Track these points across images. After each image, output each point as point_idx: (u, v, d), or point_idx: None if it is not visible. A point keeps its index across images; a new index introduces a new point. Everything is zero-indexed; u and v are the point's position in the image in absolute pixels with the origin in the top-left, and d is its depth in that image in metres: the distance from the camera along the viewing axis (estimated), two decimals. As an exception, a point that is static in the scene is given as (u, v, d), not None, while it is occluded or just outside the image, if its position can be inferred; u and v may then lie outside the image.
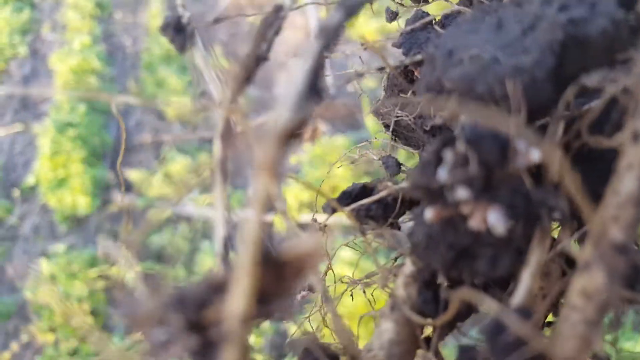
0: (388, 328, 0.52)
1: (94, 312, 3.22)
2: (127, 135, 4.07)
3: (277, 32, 0.53)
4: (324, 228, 0.63)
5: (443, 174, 0.42)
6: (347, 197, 0.63)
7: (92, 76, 4.61)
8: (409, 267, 0.53)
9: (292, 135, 0.34)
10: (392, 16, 0.74)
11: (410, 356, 0.52)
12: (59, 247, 3.53)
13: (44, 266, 3.41)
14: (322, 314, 0.57)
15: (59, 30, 5.41)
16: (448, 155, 0.42)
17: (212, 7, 5.53)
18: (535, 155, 0.41)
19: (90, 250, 3.50)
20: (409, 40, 0.70)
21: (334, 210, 0.63)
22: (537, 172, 0.43)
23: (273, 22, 0.54)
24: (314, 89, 0.37)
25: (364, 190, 0.62)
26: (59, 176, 3.79)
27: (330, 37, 0.39)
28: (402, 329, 0.52)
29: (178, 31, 0.59)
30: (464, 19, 0.53)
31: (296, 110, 0.34)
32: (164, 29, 0.60)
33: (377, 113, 0.71)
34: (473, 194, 0.41)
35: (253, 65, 0.52)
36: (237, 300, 0.31)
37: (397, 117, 0.67)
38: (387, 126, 0.69)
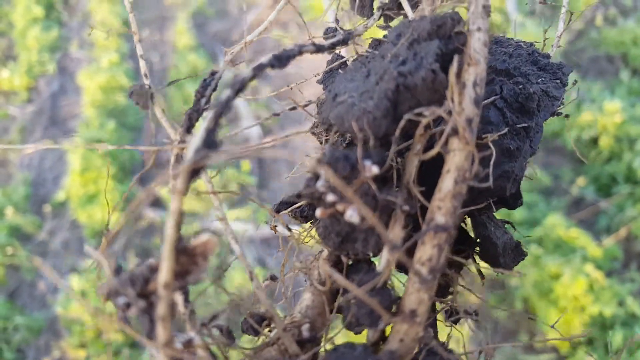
0: (306, 297, 0.71)
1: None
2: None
3: (214, 89, 0.72)
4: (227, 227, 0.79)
5: (319, 185, 0.59)
6: (286, 204, 0.81)
7: (119, 93, 4.68)
8: (324, 252, 0.72)
9: (194, 171, 0.51)
10: (330, 36, 0.84)
11: (321, 318, 0.69)
12: (90, 262, 3.56)
13: (75, 282, 3.44)
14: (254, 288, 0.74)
15: (87, 47, 5.51)
16: (321, 172, 0.59)
17: (236, 24, 5.61)
18: (374, 170, 0.58)
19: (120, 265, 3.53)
20: (327, 79, 0.88)
21: (278, 211, 0.82)
22: (384, 178, 0.61)
23: (210, 83, 0.73)
24: (210, 142, 0.53)
25: (299, 197, 0.77)
26: (89, 192, 3.83)
27: (222, 108, 0.55)
28: (316, 298, 0.70)
29: (140, 95, 0.80)
30: (350, 67, 0.71)
31: (196, 155, 0.51)
32: (130, 94, 0.81)
33: (313, 134, 0.88)
34: (337, 197, 0.58)
35: (195, 117, 0.72)
36: (162, 275, 0.50)
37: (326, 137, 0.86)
38: (321, 142, 0.87)
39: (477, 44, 0.58)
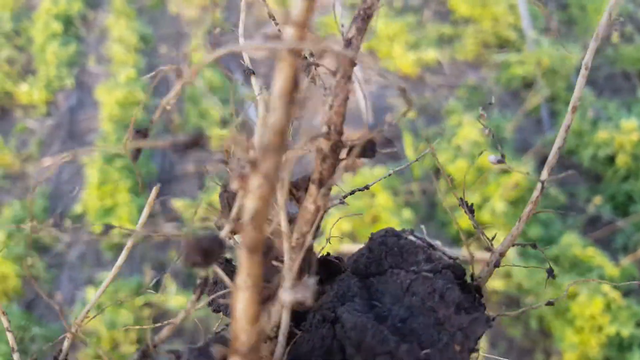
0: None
1: (139, 341, 3.26)
2: (171, 166, 4.17)
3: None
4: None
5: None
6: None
7: (136, 108, 4.74)
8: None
9: None
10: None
11: None
12: (106, 275, 3.60)
13: (91, 294, 3.47)
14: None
15: (105, 63, 5.60)
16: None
17: (251, 39, 5.67)
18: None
19: (137, 279, 3.56)
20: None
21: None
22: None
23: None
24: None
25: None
26: (106, 205, 3.88)
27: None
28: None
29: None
30: None
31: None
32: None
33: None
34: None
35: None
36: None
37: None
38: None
39: None
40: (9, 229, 3.97)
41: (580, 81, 0.72)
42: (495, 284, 3.16)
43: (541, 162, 4.07)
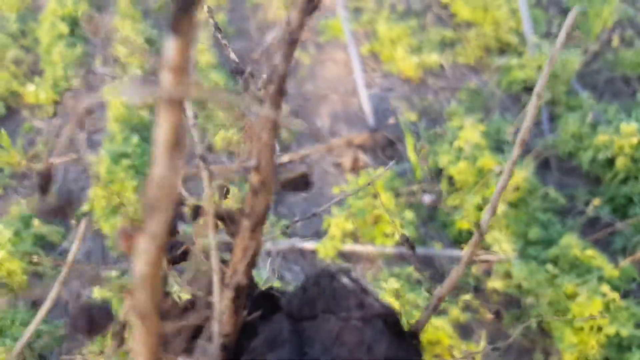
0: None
1: (145, 338, 3.32)
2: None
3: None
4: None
5: None
6: None
7: (143, 108, 4.80)
8: None
9: None
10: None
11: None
12: (113, 272, 3.65)
13: (96, 290, 3.52)
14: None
15: (111, 64, 5.66)
16: None
17: (256, 43, 5.74)
18: None
19: (143, 277, 3.62)
20: None
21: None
22: None
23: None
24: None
25: None
26: (113, 203, 3.93)
27: None
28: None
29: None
30: None
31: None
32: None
33: None
34: None
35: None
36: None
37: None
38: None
39: None
40: (16, 227, 4.02)
41: (531, 111, 0.76)
42: (495, 284, 3.21)
43: (541, 164, 4.12)
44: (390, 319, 0.63)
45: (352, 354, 0.60)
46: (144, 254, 0.34)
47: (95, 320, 0.43)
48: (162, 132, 0.32)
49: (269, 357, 0.59)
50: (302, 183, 0.59)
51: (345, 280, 0.67)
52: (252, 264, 0.59)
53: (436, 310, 0.69)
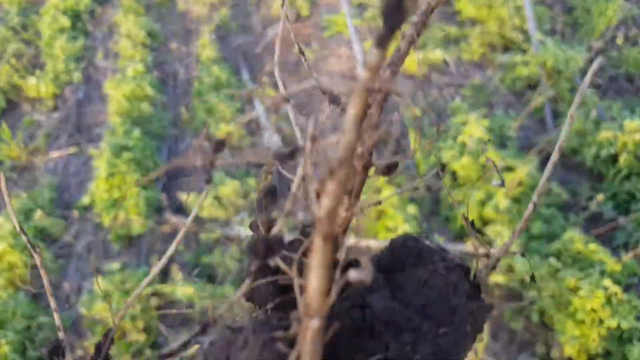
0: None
1: (146, 330, 3.30)
2: (178, 159, 4.20)
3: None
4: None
5: None
6: None
7: (144, 102, 4.79)
8: None
9: None
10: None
11: None
12: (114, 265, 3.64)
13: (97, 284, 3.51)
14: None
15: (112, 57, 5.65)
16: None
17: (260, 38, 5.73)
18: None
19: (144, 270, 3.60)
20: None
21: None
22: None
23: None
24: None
25: None
26: (114, 197, 3.92)
27: None
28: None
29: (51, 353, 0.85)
30: (218, 341, 0.69)
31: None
32: (45, 355, 0.86)
33: None
34: None
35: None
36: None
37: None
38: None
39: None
40: (17, 220, 4.01)
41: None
42: (497, 278, 3.20)
43: (544, 160, 4.12)
44: (465, 270, 0.75)
45: (440, 292, 0.71)
46: (332, 193, 0.48)
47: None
48: (352, 110, 0.47)
49: (368, 298, 0.69)
50: (392, 169, 0.74)
51: (427, 242, 0.79)
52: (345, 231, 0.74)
53: (494, 269, 0.83)
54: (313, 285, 0.50)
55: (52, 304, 0.89)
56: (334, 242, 0.50)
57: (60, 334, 0.87)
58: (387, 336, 0.67)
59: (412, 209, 3.53)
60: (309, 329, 0.50)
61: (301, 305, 0.52)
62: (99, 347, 0.84)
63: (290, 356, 0.53)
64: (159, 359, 0.67)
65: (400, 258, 0.77)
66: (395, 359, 0.66)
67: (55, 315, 0.90)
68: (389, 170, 0.73)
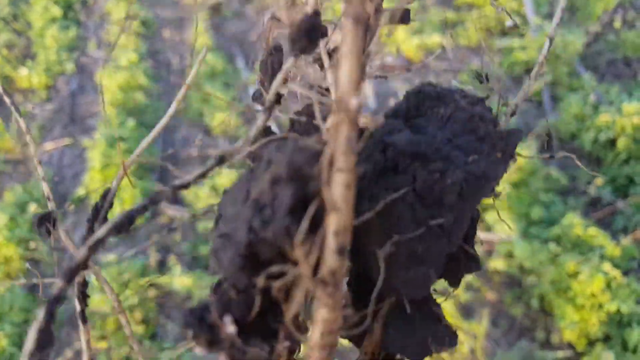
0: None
1: (144, 321, 3.28)
2: (174, 150, 4.17)
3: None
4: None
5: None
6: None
7: (138, 92, 4.74)
8: None
9: None
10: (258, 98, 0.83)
11: None
12: (111, 256, 3.62)
13: (94, 275, 3.49)
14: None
15: (105, 47, 5.58)
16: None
17: (253, 26, 5.66)
18: (231, 329, 0.57)
19: (141, 261, 3.58)
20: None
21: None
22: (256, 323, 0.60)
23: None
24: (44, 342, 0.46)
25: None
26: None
27: (53, 305, 0.48)
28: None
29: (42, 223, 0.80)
30: (240, 177, 0.62)
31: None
32: (35, 224, 0.80)
33: None
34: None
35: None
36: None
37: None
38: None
39: (337, 189, 0.49)
40: (12, 212, 3.97)
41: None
42: (496, 264, 3.19)
43: (543, 144, 4.09)
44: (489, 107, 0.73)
45: (465, 125, 0.69)
46: (345, 118, 0.46)
47: (311, 29, 0.54)
48: (346, 44, 0.45)
49: (389, 139, 0.65)
50: (406, 17, 0.70)
51: (444, 85, 0.76)
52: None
53: (513, 115, 0.87)
54: (345, 75, 0.46)
55: (40, 171, 0.87)
56: (365, 25, 0.46)
57: (50, 204, 0.83)
58: (413, 168, 0.63)
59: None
60: (343, 122, 0.46)
61: (334, 101, 0.48)
62: (96, 209, 0.79)
63: (323, 156, 0.48)
64: (172, 189, 0.58)
65: (418, 105, 0.73)
66: (423, 188, 0.62)
67: (44, 185, 0.87)
68: (402, 19, 0.69)
